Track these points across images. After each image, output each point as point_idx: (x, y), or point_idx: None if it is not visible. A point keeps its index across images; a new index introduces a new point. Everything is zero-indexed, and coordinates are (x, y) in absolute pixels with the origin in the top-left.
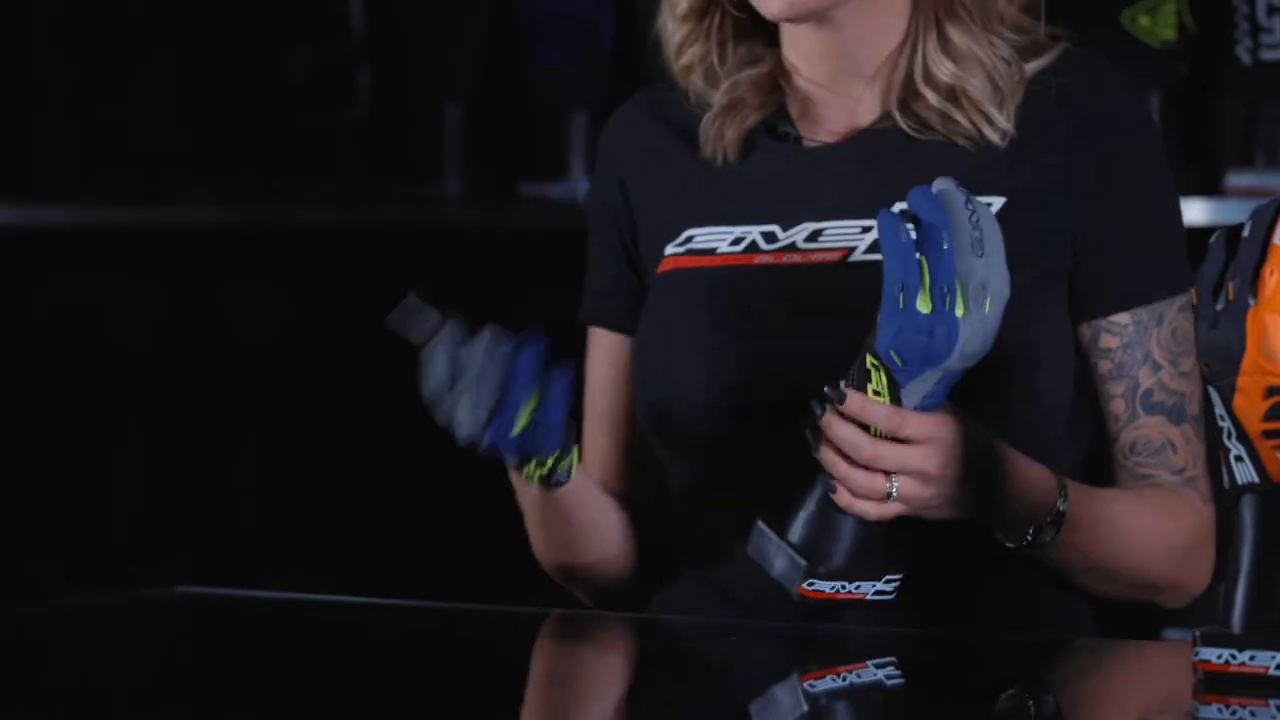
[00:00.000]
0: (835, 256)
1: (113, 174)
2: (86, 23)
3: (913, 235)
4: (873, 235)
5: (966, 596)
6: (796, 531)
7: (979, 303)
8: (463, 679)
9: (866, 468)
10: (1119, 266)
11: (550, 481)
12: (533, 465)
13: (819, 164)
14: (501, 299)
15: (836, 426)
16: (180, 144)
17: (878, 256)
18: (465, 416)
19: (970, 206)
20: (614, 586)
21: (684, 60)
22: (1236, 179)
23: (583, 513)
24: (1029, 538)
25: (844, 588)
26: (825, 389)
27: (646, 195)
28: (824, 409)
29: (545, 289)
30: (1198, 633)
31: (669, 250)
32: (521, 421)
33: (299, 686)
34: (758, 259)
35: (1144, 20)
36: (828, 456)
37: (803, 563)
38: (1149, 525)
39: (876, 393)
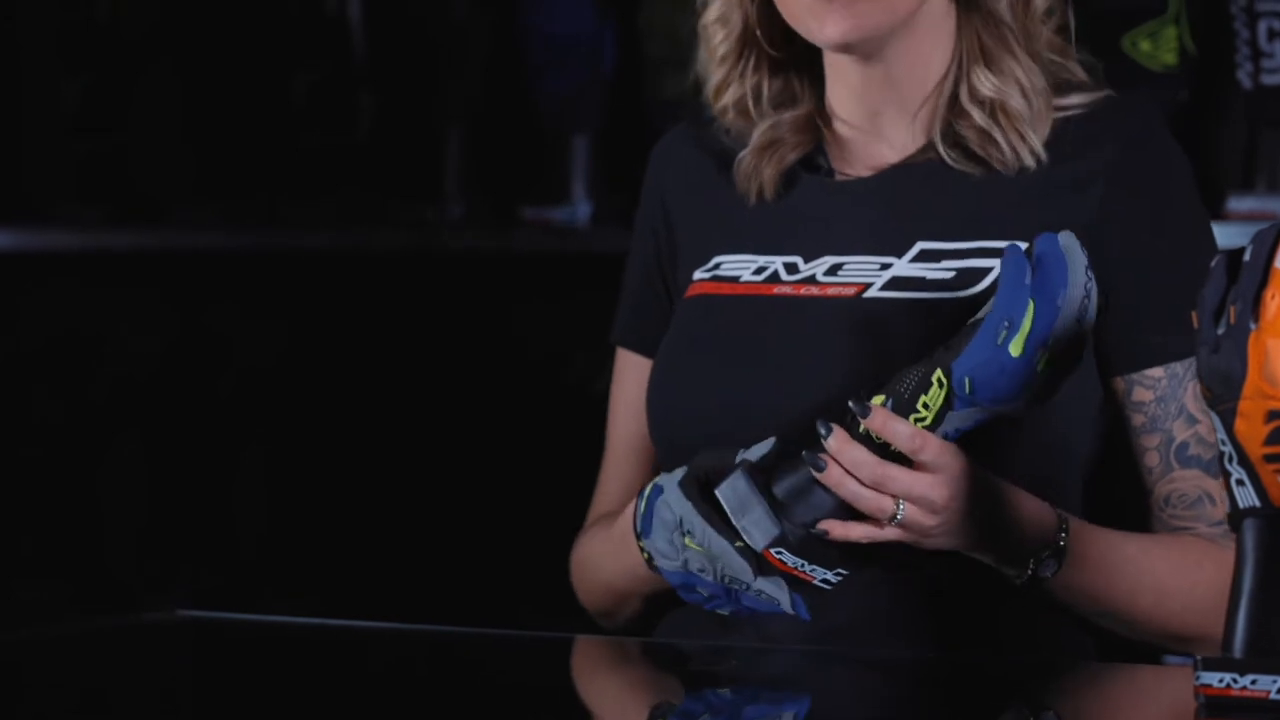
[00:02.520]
0: (850, 292)
1: (114, 197)
2: (87, 45)
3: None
4: (889, 273)
5: (965, 619)
6: (780, 490)
7: (1059, 366)
8: (465, 704)
9: (875, 489)
10: (1150, 322)
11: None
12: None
13: (847, 198)
14: (502, 322)
15: (845, 447)
16: (182, 167)
17: (892, 294)
18: (670, 551)
19: (1090, 273)
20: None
21: (722, 101)
22: (1238, 203)
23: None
24: (1029, 571)
25: (803, 566)
26: (850, 402)
27: (686, 220)
28: (829, 430)
29: (546, 312)
30: (1199, 657)
31: (697, 275)
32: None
33: (300, 712)
34: (776, 289)
35: (1145, 44)
36: (834, 475)
37: (777, 529)
38: (1171, 572)
39: (926, 405)
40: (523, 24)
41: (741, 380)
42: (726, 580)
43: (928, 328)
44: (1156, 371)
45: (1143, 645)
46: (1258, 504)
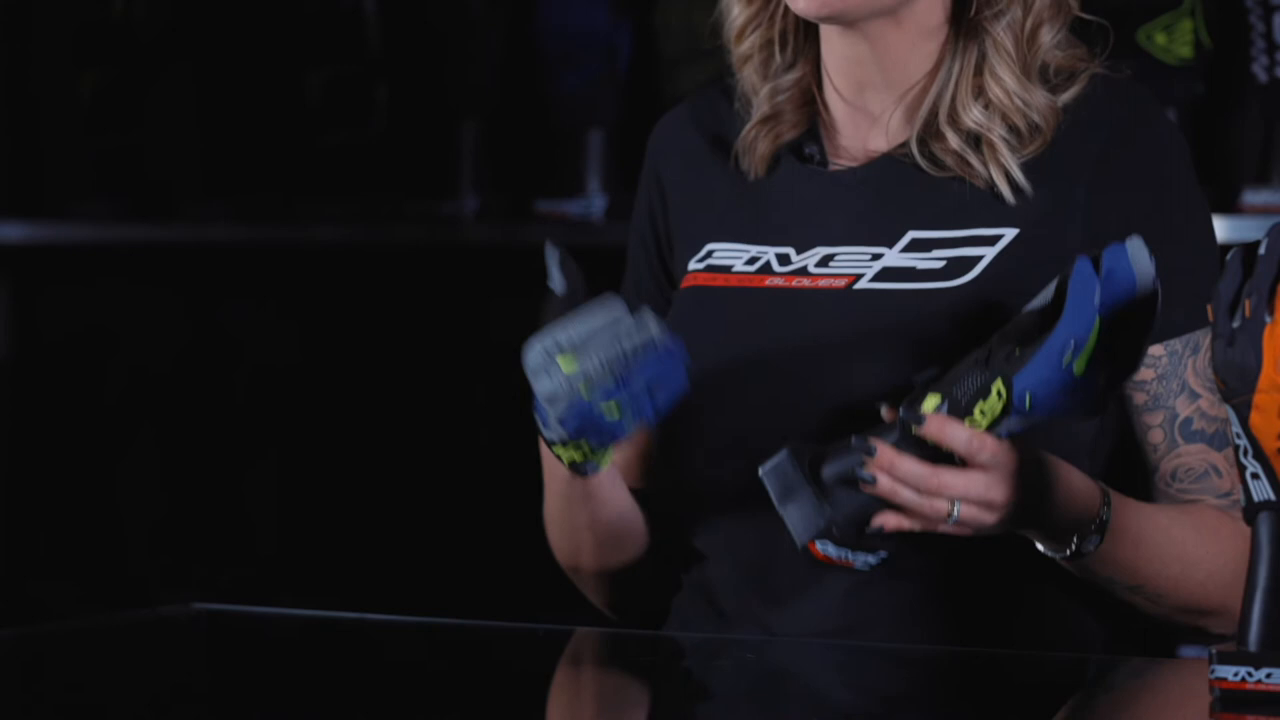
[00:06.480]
0: (841, 283)
1: (129, 192)
2: (103, 42)
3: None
4: (880, 263)
5: (977, 612)
6: (829, 474)
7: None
8: (480, 696)
9: (931, 495)
10: None
11: (580, 468)
12: (571, 447)
13: (839, 188)
14: (517, 316)
15: (896, 461)
16: (196, 163)
17: (882, 285)
18: (564, 370)
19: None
20: (625, 586)
21: (744, 47)
22: (1253, 196)
23: (605, 505)
24: (1072, 547)
25: (846, 555)
26: (902, 411)
27: (680, 205)
28: (872, 450)
29: None
30: (1214, 650)
31: (691, 265)
32: (609, 409)
33: (315, 704)
34: (768, 281)
35: (1160, 38)
36: (886, 486)
37: (822, 521)
38: (1194, 544)
39: (983, 412)
40: (536, 19)
41: (736, 372)
42: (615, 370)
43: (918, 318)
44: (1157, 349)
45: (1157, 636)
46: (1273, 498)
